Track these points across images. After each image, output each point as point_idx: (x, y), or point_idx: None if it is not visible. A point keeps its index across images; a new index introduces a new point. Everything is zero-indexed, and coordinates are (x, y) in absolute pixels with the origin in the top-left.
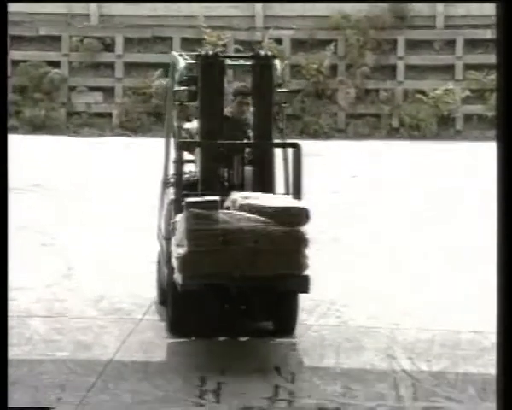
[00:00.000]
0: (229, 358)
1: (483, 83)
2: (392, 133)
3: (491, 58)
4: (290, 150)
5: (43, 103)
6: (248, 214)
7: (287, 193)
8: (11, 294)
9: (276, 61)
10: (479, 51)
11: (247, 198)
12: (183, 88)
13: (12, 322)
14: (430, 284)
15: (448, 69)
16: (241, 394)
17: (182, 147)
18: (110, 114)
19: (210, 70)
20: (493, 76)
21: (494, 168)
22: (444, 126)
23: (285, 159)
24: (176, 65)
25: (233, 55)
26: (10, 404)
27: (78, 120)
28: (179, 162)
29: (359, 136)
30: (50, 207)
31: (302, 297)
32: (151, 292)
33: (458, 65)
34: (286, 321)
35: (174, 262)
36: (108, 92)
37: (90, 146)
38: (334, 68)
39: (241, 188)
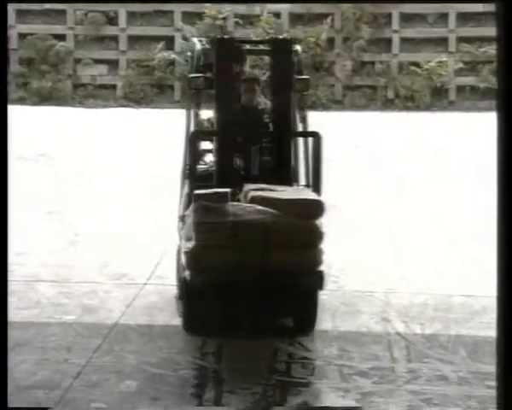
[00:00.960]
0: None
1: (475, 55)
2: (388, 104)
3: (483, 31)
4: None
5: (50, 75)
6: (259, 207)
7: (307, 185)
8: (18, 259)
9: (297, 47)
10: (471, 24)
11: (259, 190)
12: (198, 74)
13: (20, 286)
14: (425, 250)
15: (441, 42)
16: (240, 356)
17: (195, 137)
18: (114, 86)
19: (225, 56)
20: (485, 48)
21: (487, 138)
22: (437, 97)
23: (305, 149)
24: (194, 51)
25: (250, 39)
26: (19, 366)
27: (83, 92)
28: (192, 153)
29: (356, 107)
30: (54, 175)
31: None
32: (154, 261)
33: (451, 38)
34: (303, 319)
35: (183, 257)
36: (112, 65)
37: (94, 116)
38: (331, 41)
39: (259, 180)
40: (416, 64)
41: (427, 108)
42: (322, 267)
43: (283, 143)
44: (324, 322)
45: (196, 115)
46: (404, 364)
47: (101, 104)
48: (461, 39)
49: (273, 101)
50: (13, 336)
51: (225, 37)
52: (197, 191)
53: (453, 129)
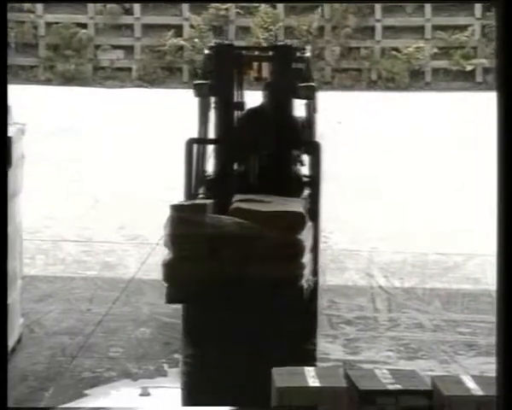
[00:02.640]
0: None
1: (449, 42)
2: (371, 85)
3: (456, 20)
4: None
5: (73, 59)
6: (238, 219)
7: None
8: (46, 222)
9: (307, 52)
10: (445, 14)
11: (245, 202)
12: (201, 81)
13: (48, 245)
14: (405, 213)
15: (419, 30)
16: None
17: (190, 145)
18: (130, 69)
19: (224, 62)
20: (457, 35)
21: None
22: (415, 79)
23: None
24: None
25: (250, 46)
26: (47, 315)
27: (102, 74)
28: (188, 162)
29: (343, 87)
30: (77, 148)
31: None
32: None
33: (427, 26)
34: (292, 332)
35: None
36: (128, 50)
37: (112, 96)
38: (321, 29)
39: (258, 190)
40: (397, 49)
41: (406, 88)
42: (304, 282)
43: (283, 152)
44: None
45: (204, 123)
46: (386, 313)
47: (119, 85)
48: (436, 27)
49: (274, 109)
50: (41, 288)
51: (225, 42)
52: (175, 202)
53: (426, 105)
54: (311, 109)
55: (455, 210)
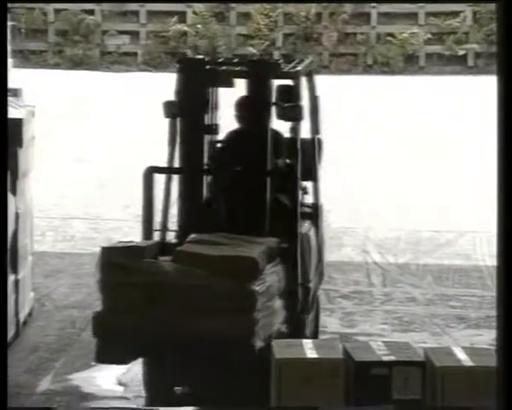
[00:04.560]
0: None
1: (441, 27)
2: (367, 69)
3: (449, 6)
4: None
5: (81, 44)
6: (178, 265)
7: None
8: (55, 201)
9: (300, 66)
10: (438, 1)
11: (193, 243)
12: (170, 100)
13: (57, 223)
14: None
15: (413, 16)
16: None
17: (149, 174)
18: (136, 53)
19: (191, 79)
20: (450, 21)
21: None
22: (409, 63)
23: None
24: None
25: (222, 61)
26: (56, 290)
27: (109, 58)
28: (146, 194)
29: (340, 71)
30: (84, 130)
31: None
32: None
33: (421, 12)
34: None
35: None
36: (134, 35)
37: (119, 80)
38: (319, 15)
39: (229, 226)
40: (392, 35)
41: (401, 72)
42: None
43: (256, 183)
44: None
45: (173, 148)
46: (380, 288)
47: (125, 69)
48: (429, 14)
49: (247, 134)
50: (51, 264)
51: (193, 57)
52: (105, 245)
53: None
54: (298, 132)
55: (447, 188)
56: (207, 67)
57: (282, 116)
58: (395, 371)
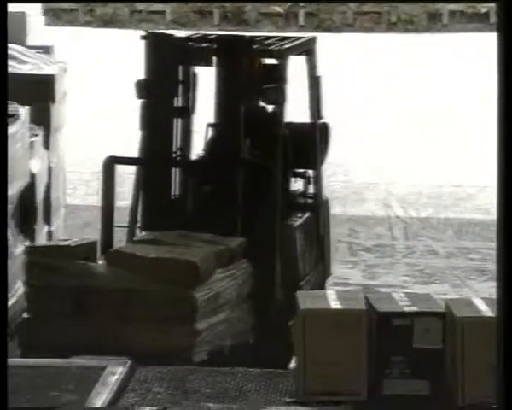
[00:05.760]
0: None
1: None
2: (391, 27)
3: None
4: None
5: (111, 3)
6: (112, 268)
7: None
8: (86, 156)
9: (287, 44)
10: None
11: (134, 243)
12: (142, 78)
13: (88, 177)
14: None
15: None
16: None
17: (109, 165)
18: (163, 12)
19: (156, 56)
20: None
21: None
22: (433, 21)
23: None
24: None
25: (195, 36)
26: None
27: (138, 17)
28: (105, 186)
29: (364, 29)
30: (114, 86)
31: None
32: None
33: None
34: None
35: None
36: None
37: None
38: None
39: (198, 223)
40: None
41: (425, 30)
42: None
43: (227, 174)
44: (337, 208)
45: (146, 136)
46: (402, 241)
47: (153, 27)
48: None
49: (219, 121)
50: (82, 217)
51: (161, 32)
52: (31, 243)
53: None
54: (281, 116)
55: (469, 144)
56: (177, 43)
57: (262, 99)
58: (416, 322)
